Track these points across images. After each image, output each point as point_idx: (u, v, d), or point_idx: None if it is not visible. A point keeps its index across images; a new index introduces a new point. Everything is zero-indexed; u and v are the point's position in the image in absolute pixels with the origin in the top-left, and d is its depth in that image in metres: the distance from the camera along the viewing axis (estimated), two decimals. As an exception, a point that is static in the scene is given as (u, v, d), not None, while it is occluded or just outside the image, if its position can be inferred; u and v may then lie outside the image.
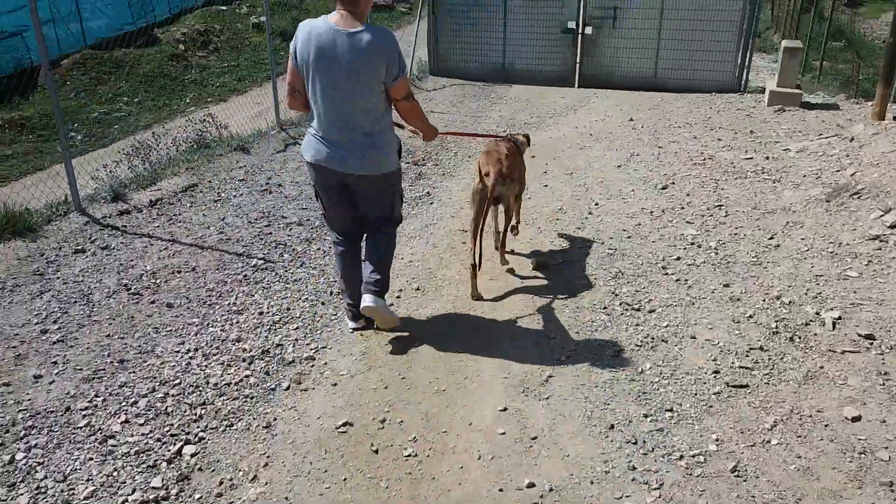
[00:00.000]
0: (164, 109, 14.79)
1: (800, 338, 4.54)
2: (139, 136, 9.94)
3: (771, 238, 6.06)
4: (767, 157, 8.26)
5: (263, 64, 16.86)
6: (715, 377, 4.21)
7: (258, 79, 16.00)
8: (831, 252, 5.59)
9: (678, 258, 5.81)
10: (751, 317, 4.82)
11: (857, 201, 6.18)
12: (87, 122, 12.34)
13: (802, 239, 5.94)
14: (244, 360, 4.59)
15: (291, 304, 5.28)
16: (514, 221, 5.78)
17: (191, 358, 4.61)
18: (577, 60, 13.01)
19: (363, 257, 4.66)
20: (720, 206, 6.91)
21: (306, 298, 5.37)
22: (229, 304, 5.29)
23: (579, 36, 12.87)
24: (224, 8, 18.08)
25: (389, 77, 3.98)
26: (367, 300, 4.45)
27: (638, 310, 5.01)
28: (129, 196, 7.20)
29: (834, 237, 5.83)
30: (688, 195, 7.30)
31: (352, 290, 4.72)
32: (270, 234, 6.52)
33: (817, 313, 4.77)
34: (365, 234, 4.66)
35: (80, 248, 6.08)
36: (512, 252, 6.06)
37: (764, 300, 5.02)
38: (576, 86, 13.05)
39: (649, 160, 8.62)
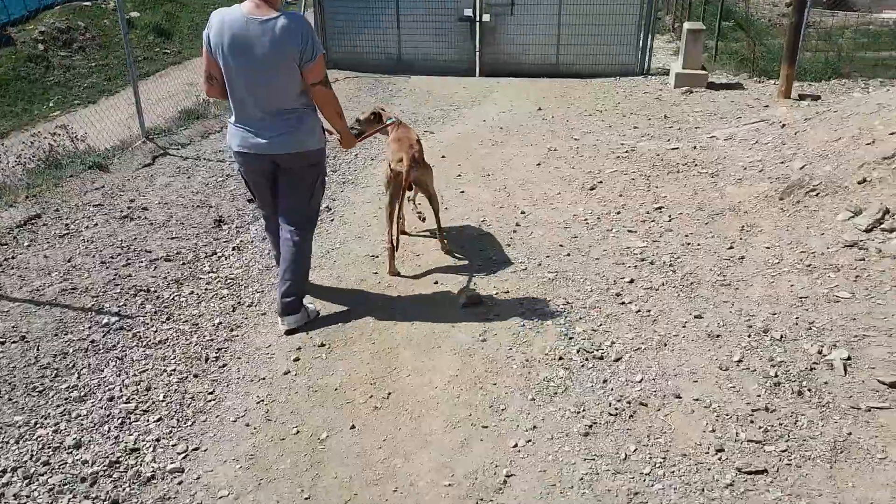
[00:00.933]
0: (24, 115, 12.66)
1: (809, 391, 3.47)
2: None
3: (731, 248, 5.02)
4: (695, 147, 7.30)
5: (136, 62, 14.85)
6: (721, 460, 3.08)
7: (131, 78, 14.03)
8: (807, 265, 4.59)
9: (631, 280, 4.70)
10: (739, 361, 3.73)
11: (816, 199, 5.23)
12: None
13: (767, 248, 4.93)
14: (83, 481, 3.14)
15: (153, 382, 3.84)
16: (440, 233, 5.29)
17: (5, 485, 3.13)
18: (477, 49, 11.80)
19: (279, 262, 4.42)
20: (660, 208, 5.86)
21: (173, 370, 3.94)
22: (68, 387, 3.80)
23: (477, 24, 11.66)
24: (88, 3, 15.86)
25: (304, 59, 3.80)
26: (287, 322, 4.32)
27: (601, 358, 3.85)
28: (-51, 237, 5.49)
29: (803, 244, 4.84)
30: (620, 195, 6.22)
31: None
32: (129, 276, 4.99)
33: (820, 352, 3.72)
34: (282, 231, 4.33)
35: None
36: (436, 283, 4.82)
37: (749, 336, 3.95)
38: (477, 75, 11.84)
39: (569, 155, 7.52)
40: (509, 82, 11.33)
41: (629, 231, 5.48)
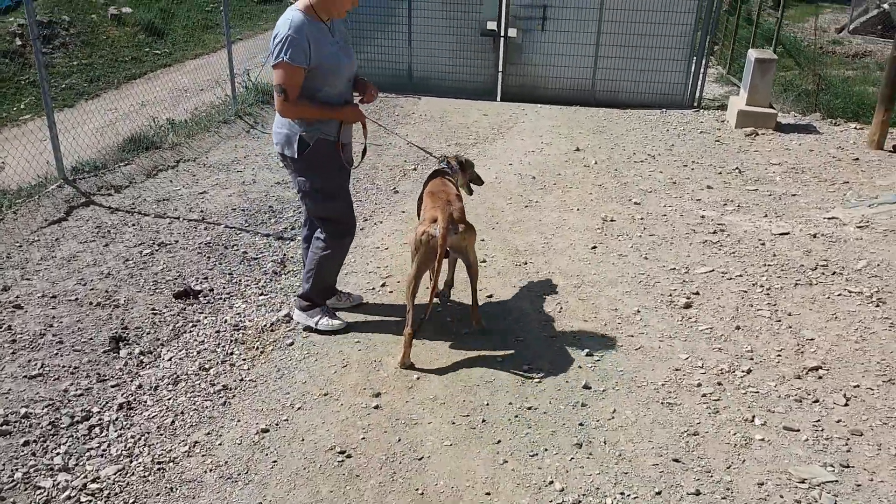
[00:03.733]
0: (-11, 119, 10.07)
1: None
2: None
3: None
4: (815, 235, 4.69)
5: (123, 63, 12.17)
6: None
7: (115, 80, 11.35)
8: None
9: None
10: None
11: None
12: None
13: None
14: None
15: None
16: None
17: None
18: (500, 69, 9.11)
19: None
20: (816, 369, 3.27)
21: None
22: None
23: (501, 39, 8.96)
24: (76, -5, 13.12)
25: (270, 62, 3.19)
26: (294, 314, 3.70)
27: None
28: None
29: None
30: (737, 328, 3.62)
31: None
32: None
33: None
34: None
35: None
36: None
37: None
38: (499, 99, 9.15)
39: (633, 232, 4.91)
40: (536, 111, 8.65)
41: (787, 430, 2.89)
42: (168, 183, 5.68)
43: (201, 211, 5.16)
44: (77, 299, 3.87)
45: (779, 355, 3.39)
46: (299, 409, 3.04)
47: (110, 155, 5.90)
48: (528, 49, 8.90)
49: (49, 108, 5.17)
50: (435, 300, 3.65)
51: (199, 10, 14.39)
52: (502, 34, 8.89)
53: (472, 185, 4.00)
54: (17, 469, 2.65)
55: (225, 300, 3.98)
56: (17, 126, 9.19)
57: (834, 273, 4.15)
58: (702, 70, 8.74)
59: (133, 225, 4.88)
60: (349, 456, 2.75)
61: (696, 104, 8.82)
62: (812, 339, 3.50)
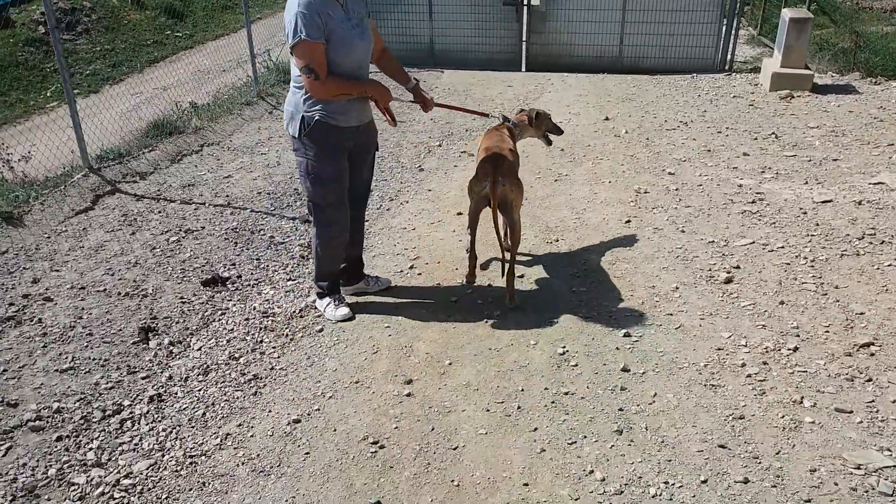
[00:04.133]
0: (18, 106, 10.10)
1: None
2: None
3: None
4: (860, 203, 4.47)
5: (144, 46, 12.13)
6: None
7: (138, 64, 11.34)
8: None
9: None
10: None
11: None
12: None
13: None
14: None
15: None
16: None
17: None
18: (524, 38, 8.85)
19: None
20: (867, 345, 3.10)
21: None
22: None
23: (524, 7, 8.69)
24: (96, -20, 13.07)
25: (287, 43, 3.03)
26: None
27: None
28: None
29: None
30: (781, 303, 3.46)
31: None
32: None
33: None
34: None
35: None
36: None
37: None
38: (523, 69, 8.91)
39: (668, 204, 4.73)
40: (563, 79, 8.40)
41: (838, 412, 2.74)
42: (193, 168, 5.63)
43: (227, 196, 5.10)
44: (105, 290, 3.84)
45: (826, 331, 3.23)
46: (331, 397, 2.98)
47: (134, 141, 5.86)
48: (552, 17, 8.63)
49: (71, 98, 5.13)
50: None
51: (218, -10, 14.28)
52: (525, 3, 8.62)
53: (549, 135, 4.13)
54: (50, 465, 2.63)
55: (253, 287, 3.93)
56: (45, 114, 9.25)
57: (882, 242, 3.95)
58: (733, 32, 8.39)
59: (159, 212, 4.84)
60: (382, 446, 2.68)
61: (727, 67, 8.48)
62: (862, 314, 3.32)
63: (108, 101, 7.38)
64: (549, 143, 4.21)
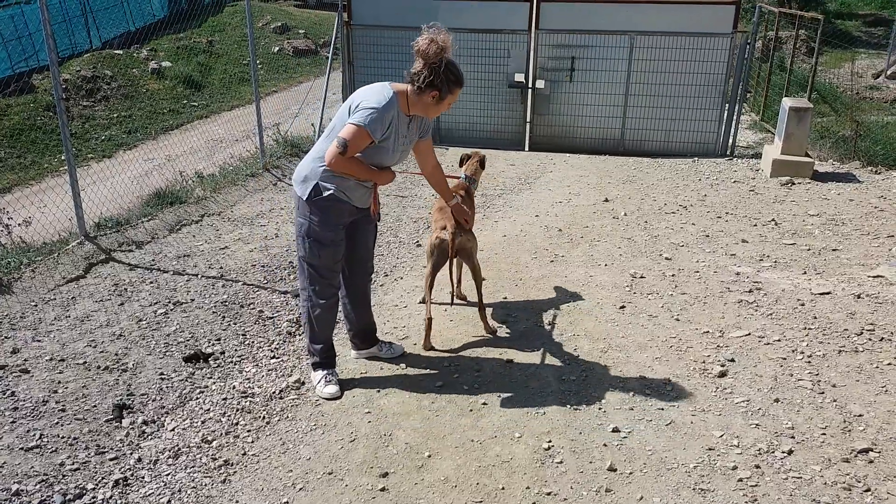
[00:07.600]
0: (32, 168, 10.33)
1: None
2: None
3: None
4: (859, 296, 4.36)
5: (161, 114, 12.44)
6: None
7: (153, 131, 11.60)
8: None
9: None
10: None
11: None
12: None
13: None
14: None
15: None
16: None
17: None
18: (528, 119, 9.00)
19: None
20: (866, 451, 2.94)
21: None
22: None
23: (529, 90, 8.88)
24: (119, 52, 13.52)
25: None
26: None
27: None
28: None
29: None
30: (776, 401, 3.32)
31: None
32: None
33: None
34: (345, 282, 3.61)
35: None
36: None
37: None
38: (526, 149, 9.03)
39: (664, 290, 4.65)
40: (565, 160, 8.49)
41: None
42: (191, 238, 5.63)
43: (220, 267, 5.06)
44: (85, 363, 3.75)
45: (823, 433, 3.08)
46: (301, 489, 2.83)
47: (135, 209, 5.89)
48: (556, 100, 8.80)
49: (71, 167, 5.18)
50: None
51: (235, 63, 14.74)
52: (530, 86, 8.81)
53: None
54: (-1, 555, 2.48)
55: (235, 364, 3.83)
56: (59, 175, 9.41)
57: (882, 339, 3.82)
58: (735, 118, 8.51)
59: (151, 282, 4.80)
60: (350, 547, 2.52)
61: (729, 152, 8.56)
62: (860, 416, 3.17)
63: (121, 166, 7.50)
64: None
